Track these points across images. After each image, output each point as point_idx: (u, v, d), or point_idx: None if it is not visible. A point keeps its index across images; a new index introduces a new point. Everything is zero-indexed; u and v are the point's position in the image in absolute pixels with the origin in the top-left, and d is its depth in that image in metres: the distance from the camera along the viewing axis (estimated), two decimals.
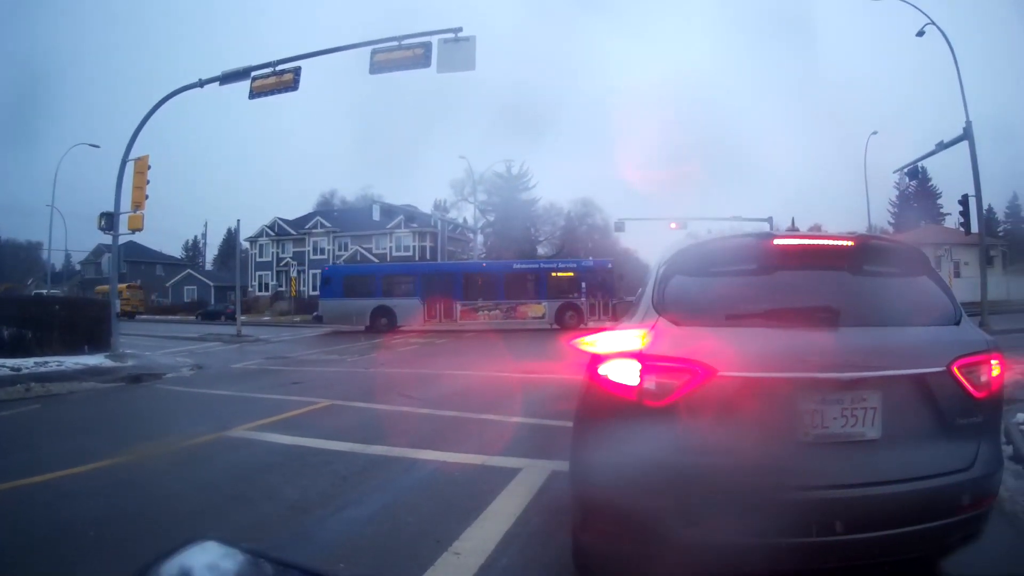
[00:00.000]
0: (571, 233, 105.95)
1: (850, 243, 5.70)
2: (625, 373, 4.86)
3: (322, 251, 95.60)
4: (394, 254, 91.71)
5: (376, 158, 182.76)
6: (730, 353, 4.79)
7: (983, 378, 5.08)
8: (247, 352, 34.20)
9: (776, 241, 5.69)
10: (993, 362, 5.18)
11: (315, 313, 57.55)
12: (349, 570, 6.32)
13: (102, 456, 10.59)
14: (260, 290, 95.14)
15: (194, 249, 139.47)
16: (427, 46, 28.95)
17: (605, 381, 4.95)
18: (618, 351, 5.02)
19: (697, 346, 4.83)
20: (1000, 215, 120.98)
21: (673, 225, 55.69)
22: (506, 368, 22.02)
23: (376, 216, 70.84)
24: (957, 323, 5.52)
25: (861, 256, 5.63)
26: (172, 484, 9.34)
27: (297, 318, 72.15)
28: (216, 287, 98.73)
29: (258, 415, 14.25)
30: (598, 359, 5.10)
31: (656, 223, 58.40)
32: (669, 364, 4.79)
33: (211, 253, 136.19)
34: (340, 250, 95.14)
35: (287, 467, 10.11)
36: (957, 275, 65.37)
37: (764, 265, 5.52)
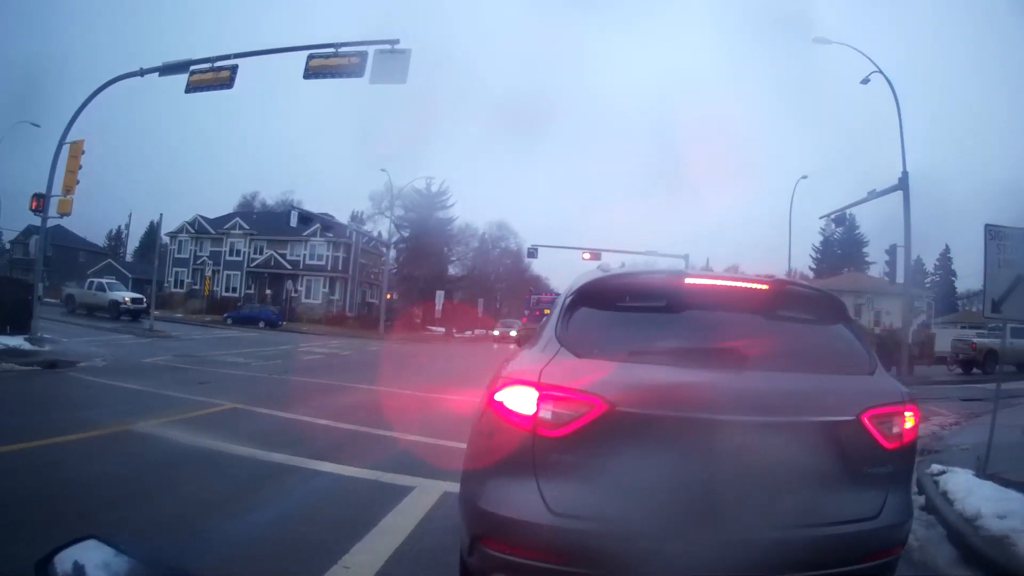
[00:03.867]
0: (484, 255, 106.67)
1: (764, 287, 5.71)
2: (521, 401, 4.77)
3: (238, 252, 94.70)
4: (307, 262, 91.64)
5: (302, 164, 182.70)
6: (630, 389, 4.70)
7: (895, 429, 5.05)
8: (158, 348, 33.81)
9: (688, 280, 5.62)
10: (907, 414, 5.15)
11: None
12: None
13: (8, 440, 10.55)
14: (176, 286, 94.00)
15: (117, 239, 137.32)
16: (363, 55, 28.94)
17: (501, 408, 4.86)
18: (516, 379, 4.94)
19: (596, 379, 4.74)
20: (930, 267, 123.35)
21: (587, 255, 56.29)
22: (420, 387, 22.05)
23: (293, 222, 70.36)
24: (871, 373, 5.46)
25: (775, 300, 5.64)
26: (74, 474, 9.29)
27: (208, 318, 71.50)
28: (134, 279, 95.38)
29: (164, 412, 14.21)
30: (496, 385, 5.01)
31: (570, 252, 59.19)
32: (566, 395, 4.69)
33: (132, 245, 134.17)
34: (256, 253, 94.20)
35: (188, 467, 10.17)
36: (877, 324, 66.45)
37: (673, 303, 5.46)
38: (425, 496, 8.87)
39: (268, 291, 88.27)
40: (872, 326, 61.28)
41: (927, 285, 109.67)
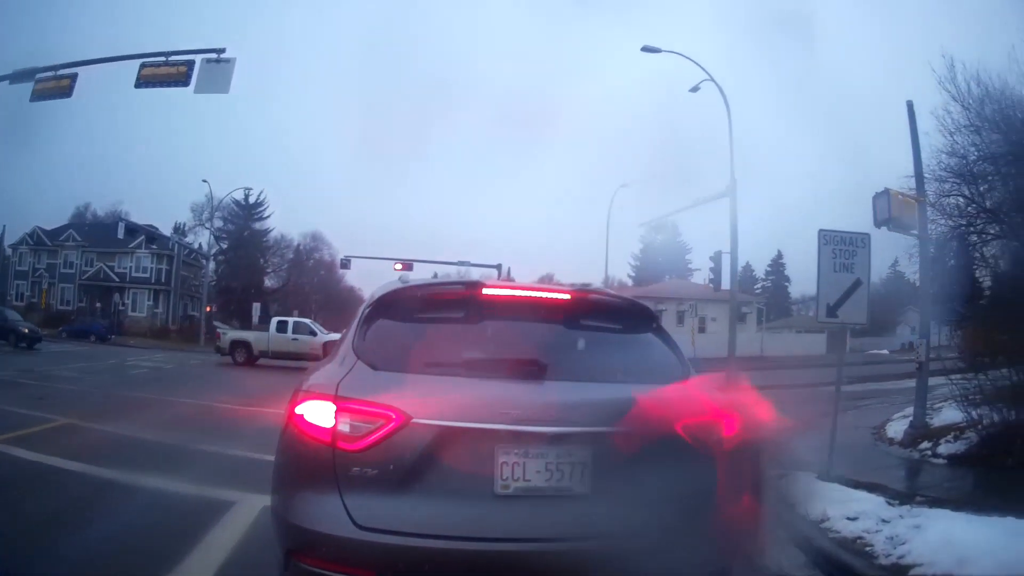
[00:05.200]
0: (299, 266, 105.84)
1: (566, 296, 5.70)
2: (319, 415, 4.78)
3: (72, 265, 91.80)
4: (134, 275, 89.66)
5: (131, 174, 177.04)
6: (426, 401, 4.71)
7: (713, 438, 5.03)
8: (4, 363, 32.83)
9: (484, 290, 5.55)
10: (726, 423, 5.14)
11: None
12: None
13: None
14: (17, 300, 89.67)
15: None
16: (191, 64, 29.03)
17: (301, 421, 4.86)
18: (313, 392, 4.95)
19: (392, 392, 4.76)
20: (760, 272, 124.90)
21: (398, 266, 55.51)
22: (241, 400, 22.30)
23: (121, 234, 69.17)
24: (685, 381, 5.49)
25: (578, 310, 5.66)
26: None
27: (46, 331, 70.24)
28: None
29: (3, 429, 14.16)
30: (296, 399, 5.00)
31: (384, 263, 58.09)
32: (363, 408, 4.71)
33: None
34: (87, 266, 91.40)
35: (21, 484, 10.35)
36: (702, 330, 67.35)
37: (471, 314, 5.48)
38: (247, 509, 8.91)
39: (98, 304, 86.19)
40: (695, 332, 62.31)
41: (757, 291, 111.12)
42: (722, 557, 5.00)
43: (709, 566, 4.91)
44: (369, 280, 58.35)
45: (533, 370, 4.98)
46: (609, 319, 5.84)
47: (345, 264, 66.23)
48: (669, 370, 5.61)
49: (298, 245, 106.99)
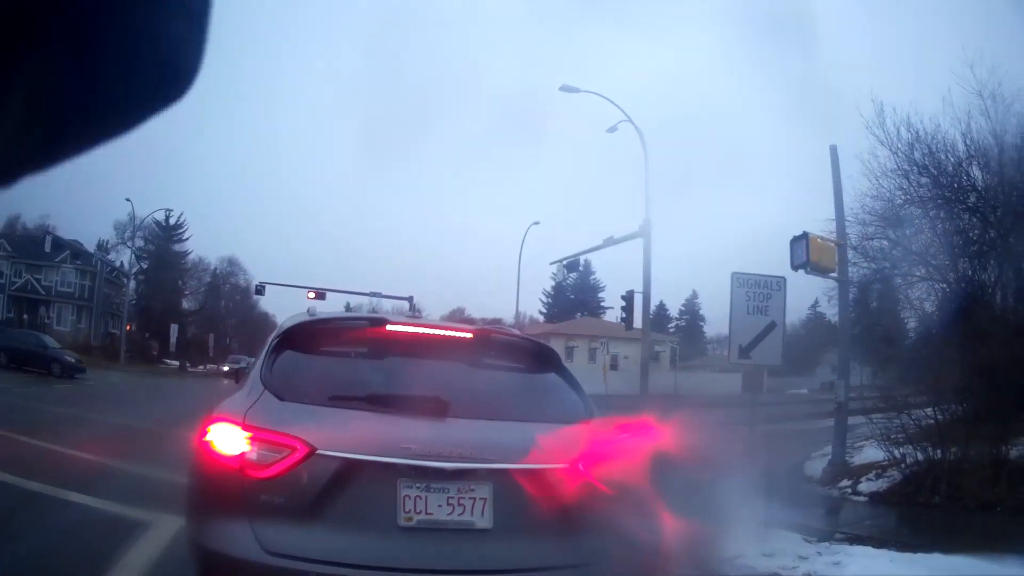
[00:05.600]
0: (215, 290, 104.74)
1: (468, 335, 5.85)
2: (228, 441, 4.80)
3: (2, 275, 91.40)
4: (59, 289, 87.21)
5: (58, 186, 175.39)
6: (331, 433, 4.77)
7: (614, 476, 5.07)
8: None
9: (389, 326, 5.69)
10: (627, 461, 5.23)
11: None
12: None
13: None
14: None
15: None
16: None
17: (210, 447, 4.89)
18: (223, 419, 4.97)
19: (298, 423, 4.81)
20: (674, 312, 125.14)
21: (311, 295, 55.36)
22: (157, 421, 22.24)
23: (48, 248, 68.63)
24: (588, 420, 5.55)
25: (482, 349, 5.78)
26: None
27: None
28: None
29: None
30: (205, 425, 5.01)
31: (297, 291, 58.08)
32: (270, 437, 4.75)
33: None
34: (16, 277, 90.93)
35: None
36: (614, 367, 67.46)
37: (376, 349, 5.65)
38: (165, 530, 8.80)
39: (26, 316, 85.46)
40: (607, 369, 62.38)
41: (671, 330, 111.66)
42: None
43: None
44: (283, 307, 57.75)
45: (435, 406, 5.06)
46: (512, 358, 6.01)
47: (260, 290, 65.49)
48: (571, 409, 5.70)
49: (215, 269, 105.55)
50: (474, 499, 4.78)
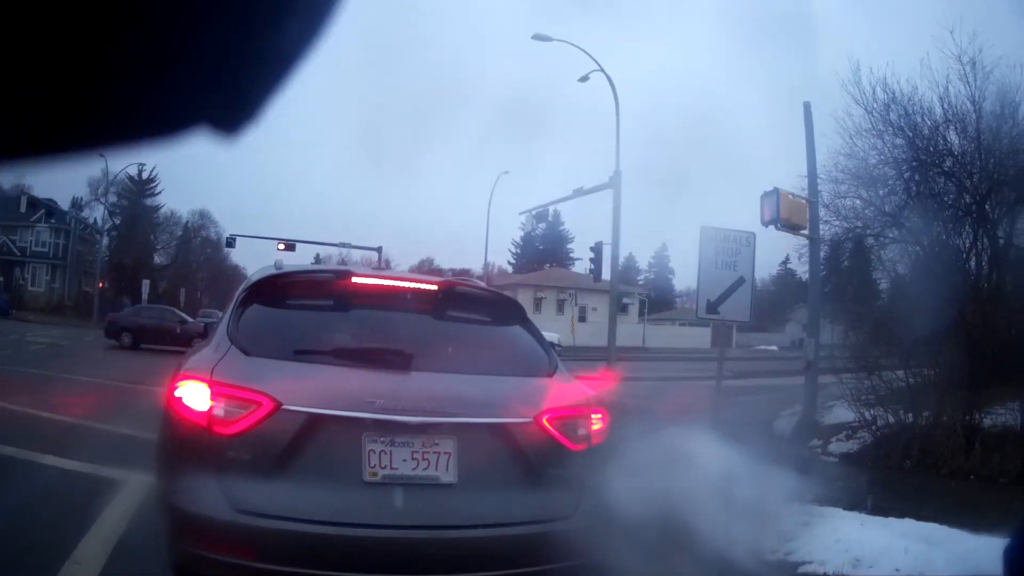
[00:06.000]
0: (186, 244, 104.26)
1: (434, 287, 5.77)
2: (195, 398, 4.76)
3: None
4: (34, 249, 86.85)
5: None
6: (296, 388, 4.76)
7: (580, 431, 5.15)
8: None
9: (354, 279, 5.63)
10: (594, 416, 5.30)
11: None
12: None
13: None
14: None
15: None
16: None
17: (179, 404, 4.83)
18: (190, 375, 4.93)
19: (263, 378, 4.80)
20: (644, 264, 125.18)
21: (281, 246, 54.88)
22: (133, 379, 22.30)
23: (23, 208, 68.10)
24: (551, 375, 5.58)
25: (447, 301, 5.73)
26: None
27: None
28: None
29: None
30: (173, 381, 4.98)
31: (267, 242, 57.41)
32: (236, 393, 4.72)
33: None
34: None
35: None
36: (582, 319, 67.39)
37: (341, 302, 5.60)
38: (139, 488, 8.73)
39: (1, 278, 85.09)
40: (575, 321, 62.27)
41: (640, 282, 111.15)
42: (587, 548, 5.01)
43: (573, 556, 4.92)
44: (254, 259, 57.00)
45: (400, 360, 5.06)
46: (477, 311, 5.97)
47: (230, 243, 64.46)
48: (536, 363, 5.74)
49: (186, 222, 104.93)
50: (438, 453, 4.79)
